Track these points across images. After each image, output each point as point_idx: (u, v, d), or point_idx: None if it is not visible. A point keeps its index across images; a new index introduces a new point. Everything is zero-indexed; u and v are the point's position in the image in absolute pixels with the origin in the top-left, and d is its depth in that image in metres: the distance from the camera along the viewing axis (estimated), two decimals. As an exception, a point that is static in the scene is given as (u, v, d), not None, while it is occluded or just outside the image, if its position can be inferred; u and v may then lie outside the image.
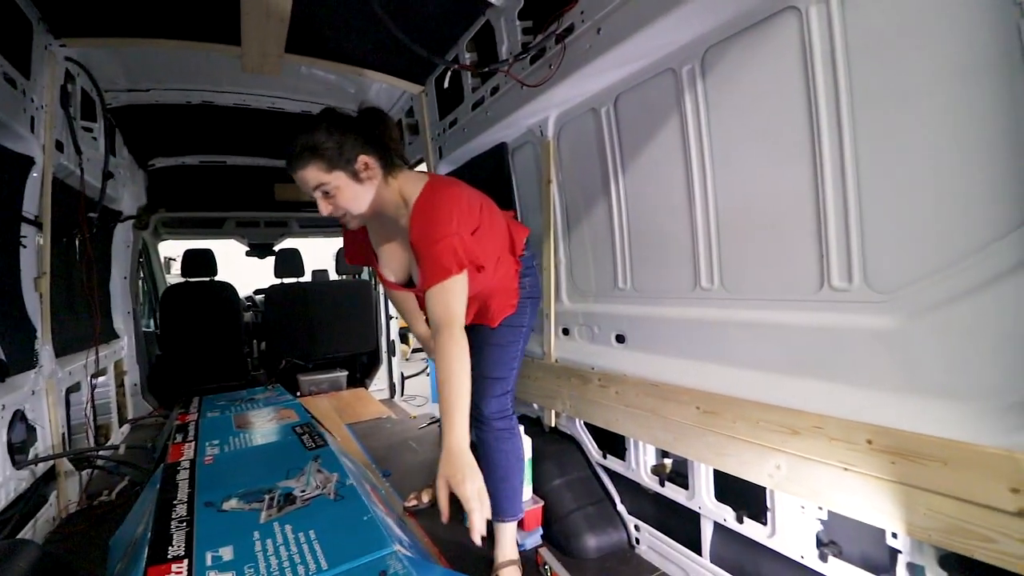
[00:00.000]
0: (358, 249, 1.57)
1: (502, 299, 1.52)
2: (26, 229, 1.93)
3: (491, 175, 2.26)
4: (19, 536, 1.65)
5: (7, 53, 1.63)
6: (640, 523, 1.63)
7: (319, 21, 2.07)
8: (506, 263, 1.50)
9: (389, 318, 4.07)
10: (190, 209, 3.73)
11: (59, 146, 2.07)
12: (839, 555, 1.10)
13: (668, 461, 1.55)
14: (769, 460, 1.13)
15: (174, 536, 1.19)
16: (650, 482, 1.56)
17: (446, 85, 2.22)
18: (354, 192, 1.24)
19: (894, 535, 0.97)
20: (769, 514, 1.21)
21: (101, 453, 2.23)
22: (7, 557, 1.28)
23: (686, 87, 1.36)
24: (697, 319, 1.38)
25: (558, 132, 1.89)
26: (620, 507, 1.70)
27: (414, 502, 1.92)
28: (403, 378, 4.20)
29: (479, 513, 1.04)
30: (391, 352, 4.11)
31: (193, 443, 1.94)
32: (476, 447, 1.61)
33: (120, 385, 3.10)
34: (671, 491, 1.49)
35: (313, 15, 1.99)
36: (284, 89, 2.86)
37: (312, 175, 1.20)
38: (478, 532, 1.05)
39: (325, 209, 1.24)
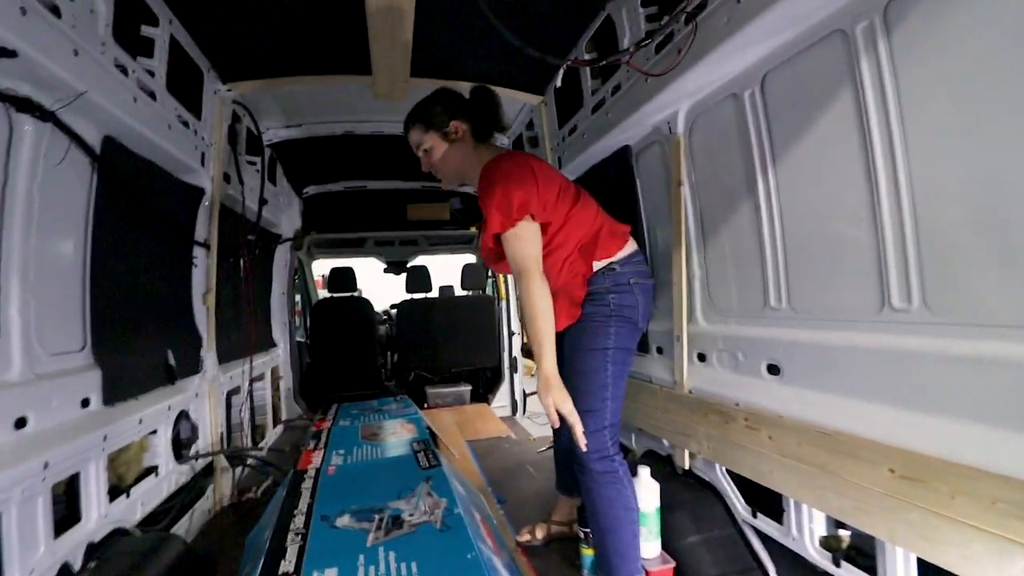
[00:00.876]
0: None
1: (566, 301, 1.45)
2: (197, 251, 2.19)
3: (613, 182, 2.07)
4: (177, 525, 1.83)
5: (182, 98, 1.87)
6: (803, 606, 1.28)
7: (439, 43, 2.09)
8: (574, 263, 1.46)
9: (511, 334, 4.03)
10: (337, 231, 4.09)
11: (226, 178, 2.35)
12: None
13: (845, 533, 1.20)
14: (1016, 561, 0.77)
15: (288, 549, 1.24)
16: (819, 558, 1.21)
17: (562, 87, 2.10)
18: (444, 151, 1.49)
19: None
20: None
21: (252, 452, 2.45)
22: (154, 550, 1.40)
23: (862, 51, 1.05)
24: (886, 350, 1.04)
25: (690, 127, 1.64)
26: (775, 581, 1.37)
27: (527, 537, 1.77)
28: (525, 395, 4.12)
29: (579, 424, 1.26)
30: (513, 368, 4.06)
31: (323, 451, 2.04)
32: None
33: (276, 389, 3.45)
34: (849, 575, 1.14)
35: (433, 38, 2.02)
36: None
37: (414, 136, 1.53)
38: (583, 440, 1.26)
39: (424, 165, 1.55)
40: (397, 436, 2.28)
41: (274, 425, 3.26)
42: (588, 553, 1.56)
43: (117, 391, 1.54)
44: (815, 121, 1.20)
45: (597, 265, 1.45)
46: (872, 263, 1.09)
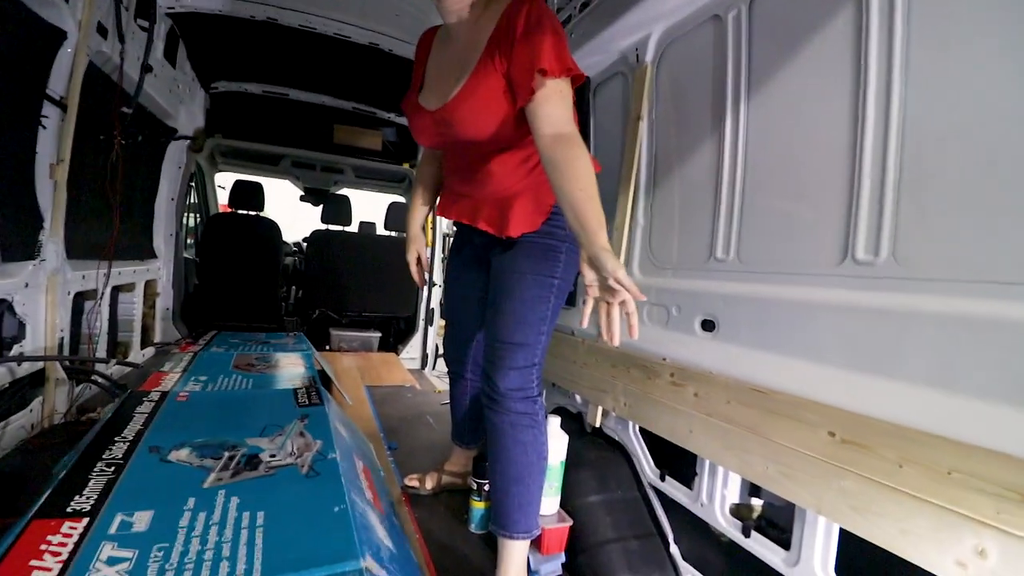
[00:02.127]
0: (411, 90, 1.29)
1: (529, 205, 1.17)
2: (48, 110, 1.73)
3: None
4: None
5: None
6: (700, 577, 1.19)
7: None
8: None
9: (432, 284, 3.77)
10: (248, 140, 3.57)
11: (101, 31, 1.88)
12: None
13: (758, 503, 1.11)
14: (964, 538, 0.68)
15: (90, 482, 0.92)
16: (727, 526, 1.12)
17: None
18: None
19: None
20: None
21: (97, 368, 2.04)
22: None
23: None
24: (843, 305, 0.93)
25: (660, 54, 1.46)
26: (674, 548, 1.28)
27: (415, 483, 1.58)
28: (437, 352, 3.91)
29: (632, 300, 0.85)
30: (429, 321, 3.82)
31: (179, 375, 1.69)
32: (487, 435, 1.24)
33: (151, 307, 2.98)
34: (759, 546, 1.05)
35: None
36: (352, 13, 2.60)
37: None
38: (636, 329, 0.88)
39: None
40: (278, 370, 1.94)
41: (143, 346, 2.81)
42: (478, 507, 1.39)
43: None
44: (805, 47, 1.06)
45: None
46: (841, 211, 0.97)
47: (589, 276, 0.89)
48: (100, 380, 1.98)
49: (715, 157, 1.28)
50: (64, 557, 0.71)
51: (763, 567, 1.02)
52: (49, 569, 0.68)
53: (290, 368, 1.95)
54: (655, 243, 1.50)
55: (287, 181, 4.30)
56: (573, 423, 1.63)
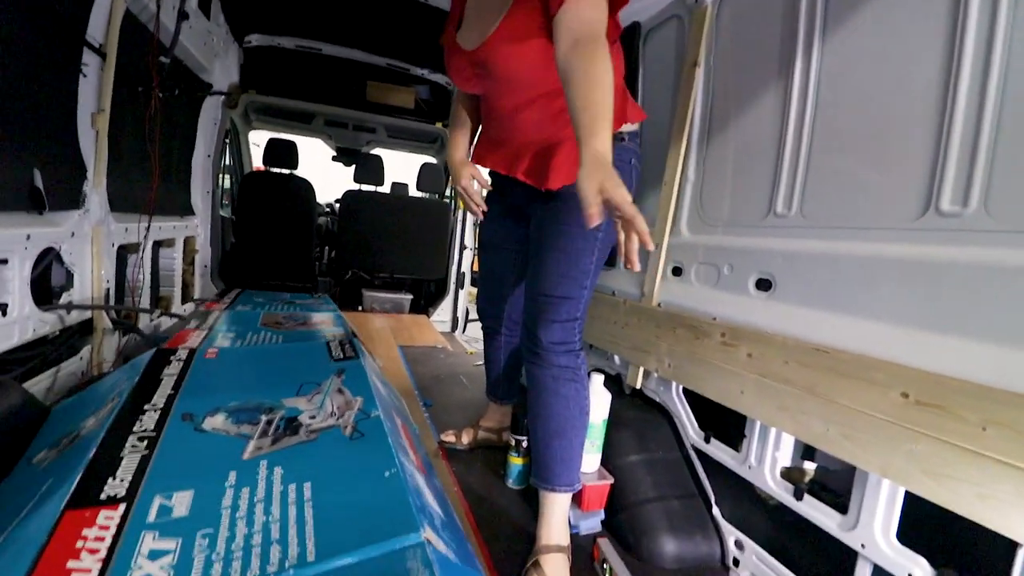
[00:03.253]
0: (449, 25, 1.20)
1: (572, 155, 1.07)
2: (88, 57, 1.73)
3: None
4: (34, 380, 1.51)
5: None
6: (744, 539, 1.17)
7: None
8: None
9: (463, 248, 3.75)
10: (281, 95, 3.55)
11: None
12: None
13: (810, 466, 1.07)
14: (1053, 508, 0.63)
15: (123, 462, 0.84)
16: (778, 490, 1.09)
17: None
18: None
19: None
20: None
21: (137, 312, 2.10)
22: (-20, 393, 1.10)
23: None
24: (924, 261, 0.86)
25: (723, -5, 1.35)
26: (716, 511, 1.25)
27: (451, 439, 1.59)
28: (467, 317, 3.92)
29: (640, 218, 0.77)
30: (459, 284, 3.81)
31: (205, 333, 1.69)
32: (526, 389, 1.22)
33: (190, 263, 3.04)
34: (812, 510, 1.01)
35: None
36: (389, -38, 2.51)
37: None
38: (646, 246, 0.78)
39: None
40: (308, 327, 1.90)
41: (183, 301, 2.89)
42: (517, 462, 1.40)
43: None
44: (893, -23, 0.96)
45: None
46: (926, 160, 0.89)
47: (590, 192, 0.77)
48: (144, 333, 2.04)
49: (780, 105, 1.19)
50: (103, 555, 0.63)
51: (814, 531, 0.99)
52: (88, 570, 0.61)
53: (320, 325, 1.94)
54: (706, 199, 1.42)
55: (320, 140, 4.29)
56: (612, 385, 1.60)
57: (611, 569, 1.09)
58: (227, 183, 4.06)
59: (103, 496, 0.74)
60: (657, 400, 1.48)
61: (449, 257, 3.81)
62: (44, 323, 1.58)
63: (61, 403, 1.26)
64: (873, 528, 0.88)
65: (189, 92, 2.77)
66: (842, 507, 0.96)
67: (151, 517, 0.70)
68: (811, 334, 1.01)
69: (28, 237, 1.47)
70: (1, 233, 1.36)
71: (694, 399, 1.36)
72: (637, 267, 0.80)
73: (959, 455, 0.72)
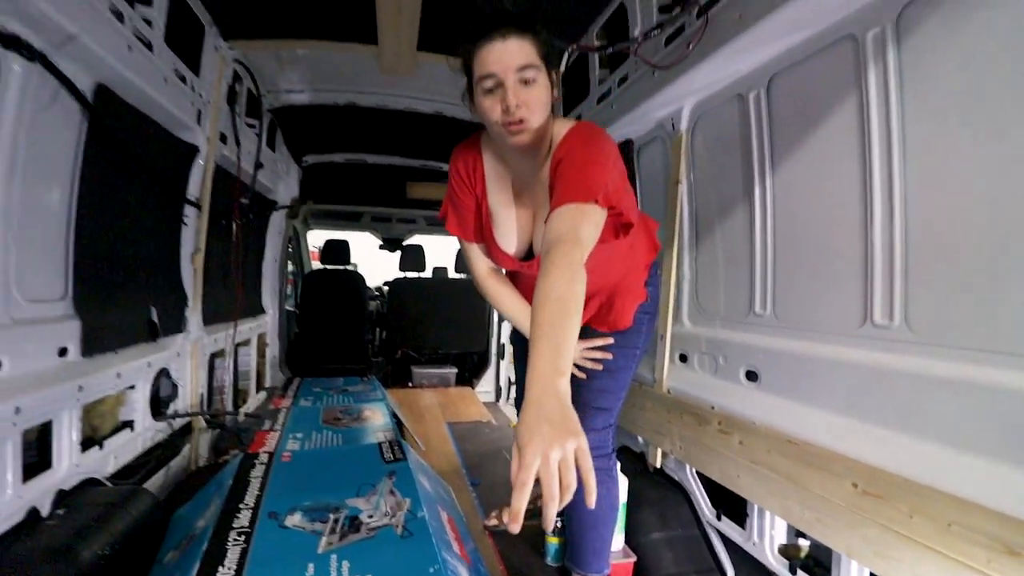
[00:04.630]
0: (463, 215, 1.23)
1: (629, 299, 1.25)
2: (188, 210, 2.17)
3: (613, 176, 2.06)
4: (151, 480, 1.83)
5: (180, 51, 1.83)
6: (758, 611, 1.29)
7: (448, 17, 2.05)
8: (640, 252, 1.27)
9: (501, 320, 4.03)
10: (334, 202, 4.05)
11: (223, 138, 2.31)
12: None
13: (805, 543, 1.20)
14: (966, 585, 0.77)
15: (228, 552, 1.10)
16: (777, 565, 1.22)
17: (570, 74, 2.06)
18: (546, 99, 1.02)
19: None
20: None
21: (226, 415, 2.45)
22: (123, 502, 1.40)
23: (871, 59, 1.03)
24: (864, 365, 1.03)
25: (693, 125, 1.61)
26: (733, 584, 1.38)
27: (495, 521, 1.78)
28: (510, 383, 4.13)
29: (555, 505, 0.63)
30: (500, 355, 4.06)
31: (278, 433, 1.98)
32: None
33: (262, 356, 3.44)
34: (805, 584, 1.15)
35: (443, 12, 1.98)
36: (418, 90, 2.95)
37: (528, 50, 0.98)
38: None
39: (515, 97, 0.97)
40: (361, 423, 2.19)
41: (257, 391, 3.26)
42: (553, 542, 1.57)
43: (96, 343, 1.52)
44: (817, 127, 1.18)
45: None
46: (859, 277, 1.08)
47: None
48: (230, 426, 2.38)
49: (747, 219, 1.41)
50: None
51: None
52: None
53: (372, 420, 2.22)
54: (702, 295, 1.63)
55: (368, 233, 4.78)
56: (637, 463, 1.76)
57: (637, 642, 1.23)
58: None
59: None
60: (676, 479, 1.63)
61: (489, 330, 4.09)
62: (159, 431, 1.93)
63: (177, 511, 1.56)
64: (853, 602, 1.01)
65: (261, 213, 3.26)
66: (830, 582, 1.09)
67: None
68: (789, 425, 1.17)
69: (149, 364, 1.84)
70: (131, 364, 1.73)
71: (707, 478, 1.51)
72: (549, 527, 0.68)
73: (896, 539, 0.87)
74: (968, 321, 0.88)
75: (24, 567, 1.09)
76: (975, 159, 0.88)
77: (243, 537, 1.17)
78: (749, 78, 1.35)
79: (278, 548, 1.12)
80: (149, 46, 1.62)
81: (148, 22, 1.63)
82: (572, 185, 0.93)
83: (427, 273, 4.28)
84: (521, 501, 0.62)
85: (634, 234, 1.16)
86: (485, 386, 4.10)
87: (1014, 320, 0.82)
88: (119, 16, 1.44)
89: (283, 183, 3.54)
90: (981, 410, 0.82)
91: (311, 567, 1.04)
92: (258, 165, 2.60)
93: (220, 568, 1.03)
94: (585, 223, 0.90)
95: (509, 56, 0.97)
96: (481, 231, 1.21)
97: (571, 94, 2.29)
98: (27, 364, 1.25)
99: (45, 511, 1.30)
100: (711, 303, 1.59)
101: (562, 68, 2.04)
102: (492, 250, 1.22)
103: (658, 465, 1.69)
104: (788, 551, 1.21)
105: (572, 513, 1.34)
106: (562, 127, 1.07)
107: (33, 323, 1.30)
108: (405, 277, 4.05)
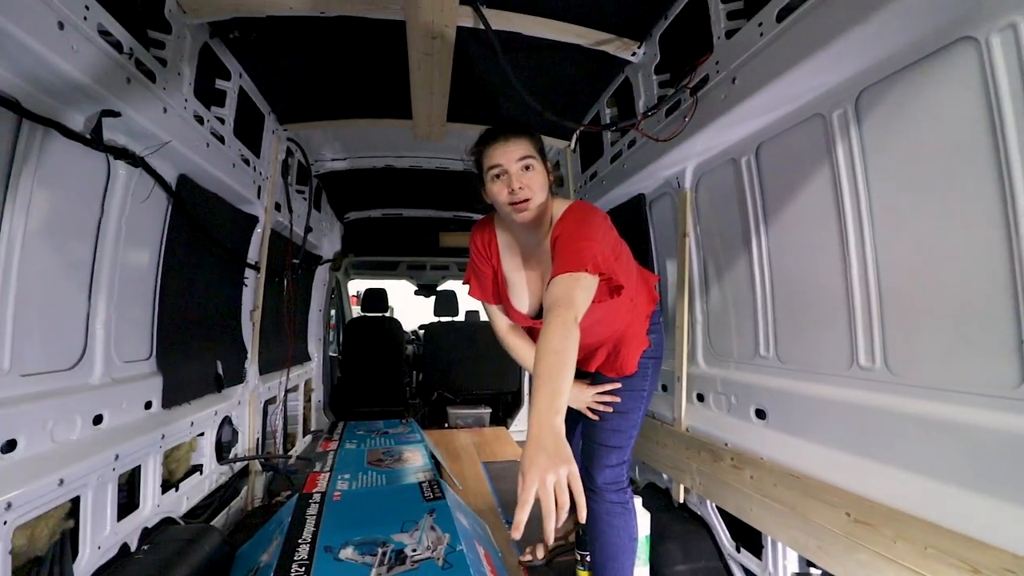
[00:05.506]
0: (483, 282, 1.45)
1: (633, 347, 1.42)
2: (248, 272, 2.45)
3: (629, 226, 2.22)
4: (215, 519, 2.03)
5: (245, 139, 2.14)
6: (780, 641, 1.36)
7: (474, 94, 2.32)
8: (640, 305, 1.42)
9: (533, 361, 4.16)
10: (373, 254, 4.36)
11: (277, 206, 2.62)
12: None
13: (816, 572, 1.28)
14: (943, 602, 0.86)
15: None
16: (790, 594, 1.30)
17: (584, 136, 2.29)
18: (543, 181, 1.24)
19: None
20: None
21: (279, 459, 2.66)
22: (197, 539, 1.60)
23: (837, 134, 1.18)
24: (853, 403, 1.14)
25: (696, 183, 1.78)
26: (755, 615, 1.45)
27: (528, 557, 1.89)
28: (543, 422, 4.22)
29: (552, 520, 0.76)
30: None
31: (328, 474, 2.17)
32: (587, 517, 1.52)
33: (308, 400, 3.68)
34: (817, 611, 1.22)
35: (469, 89, 2.24)
36: (449, 152, 3.23)
37: (525, 145, 1.23)
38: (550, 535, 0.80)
39: (518, 181, 1.20)
40: (402, 463, 2.38)
41: (304, 434, 3.48)
42: (583, 575, 1.66)
43: (174, 396, 1.76)
44: (800, 191, 1.34)
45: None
46: (844, 323, 1.20)
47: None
48: (284, 471, 2.58)
49: (748, 269, 1.55)
50: None
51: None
52: None
53: (412, 461, 2.40)
54: (714, 338, 1.75)
55: (403, 280, 5.07)
56: (662, 498, 1.85)
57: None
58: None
59: None
60: (698, 513, 1.72)
61: (520, 370, 4.23)
62: (222, 474, 2.14)
63: (241, 548, 1.74)
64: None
65: (308, 268, 3.56)
66: (838, 609, 1.16)
67: None
68: (792, 459, 1.28)
69: (215, 413, 2.07)
70: (202, 413, 1.96)
71: (727, 512, 1.60)
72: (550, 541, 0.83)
73: (884, 563, 0.96)
74: (938, 363, 0.99)
75: None
76: (932, 220, 1.01)
77: (304, 569, 1.33)
78: (740, 145, 1.52)
79: None
80: (221, 140, 1.92)
81: (221, 120, 1.93)
82: (566, 258, 1.11)
83: (460, 317, 4.49)
84: (522, 515, 0.77)
85: (635, 289, 1.34)
86: (519, 425, 4.20)
87: (978, 363, 0.93)
88: (200, 120, 1.74)
89: (327, 239, 3.85)
90: (952, 444, 0.93)
91: None
92: (308, 229, 2.89)
93: None
94: (578, 288, 1.07)
95: (511, 150, 1.21)
96: (498, 294, 1.42)
97: (588, 154, 2.50)
98: (123, 417, 1.49)
99: (133, 546, 1.51)
100: (723, 345, 1.71)
101: (573, 144, 2.28)
102: (508, 310, 1.42)
103: (681, 500, 1.78)
104: (801, 580, 1.29)
105: (595, 544, 1.46)
106: (560, 206, 1.28)
107: (126, 381, 1.55)
108: (439, 321, 4.27)
